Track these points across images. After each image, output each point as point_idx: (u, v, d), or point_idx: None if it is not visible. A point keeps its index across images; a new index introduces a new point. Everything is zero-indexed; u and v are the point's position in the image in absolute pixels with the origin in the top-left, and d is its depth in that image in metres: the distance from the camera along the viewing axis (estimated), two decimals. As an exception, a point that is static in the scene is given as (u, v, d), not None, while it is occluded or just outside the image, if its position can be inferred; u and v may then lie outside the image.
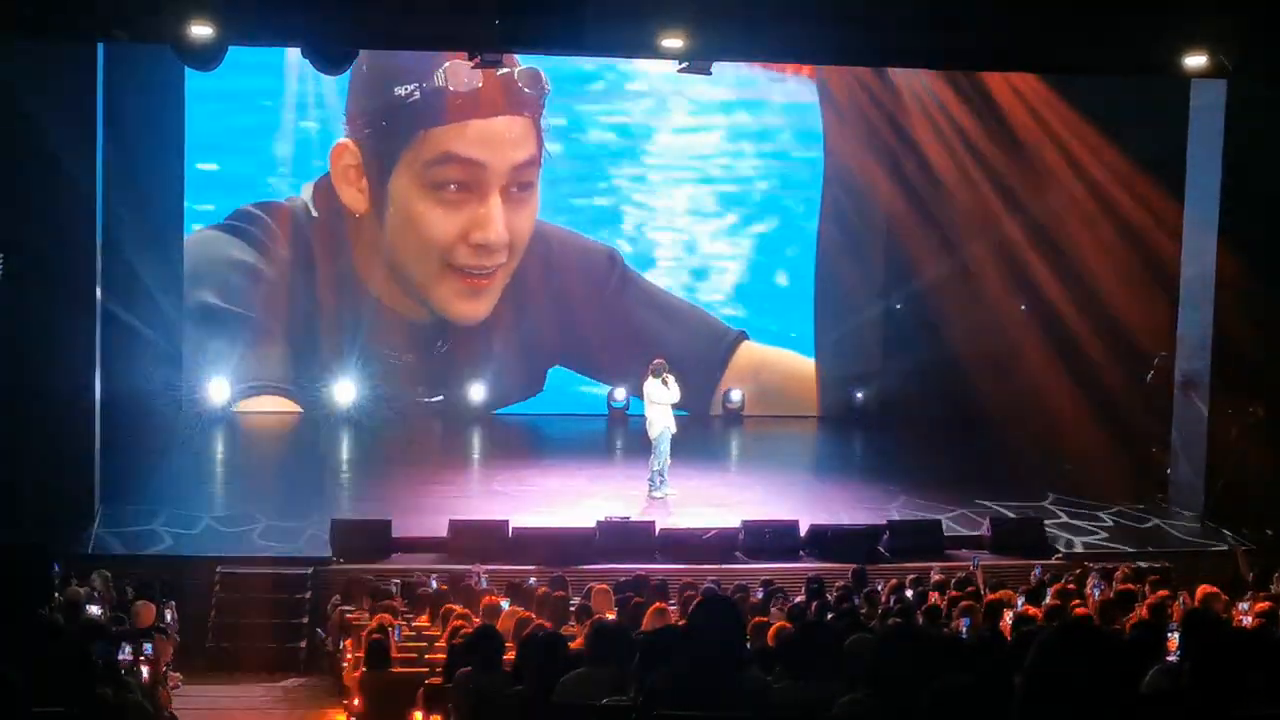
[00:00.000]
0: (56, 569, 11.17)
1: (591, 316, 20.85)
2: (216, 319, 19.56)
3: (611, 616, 9.96)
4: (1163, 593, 10.98)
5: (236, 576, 13.43)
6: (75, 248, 13.99)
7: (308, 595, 13.39)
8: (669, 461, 15.87)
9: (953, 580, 12.27)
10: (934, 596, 11.51)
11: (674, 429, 15.77)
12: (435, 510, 15.13)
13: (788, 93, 21.00)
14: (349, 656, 10.88)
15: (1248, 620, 9.93)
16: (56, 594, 10.32)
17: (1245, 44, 11.16)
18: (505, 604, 10.81)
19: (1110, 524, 15.82)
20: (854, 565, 13.08)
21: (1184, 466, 16.71)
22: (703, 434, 18.83)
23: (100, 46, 13.76)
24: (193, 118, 19.13)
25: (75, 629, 9.00)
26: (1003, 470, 17.37)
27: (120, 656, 8.58)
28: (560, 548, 13.81)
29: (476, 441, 20.04)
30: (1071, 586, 11.76)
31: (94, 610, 10.28)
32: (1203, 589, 10.63)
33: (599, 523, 14.34)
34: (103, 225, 14.44)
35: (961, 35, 11.18)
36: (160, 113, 18.21)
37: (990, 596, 10.93)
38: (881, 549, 14.46)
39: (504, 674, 6.82)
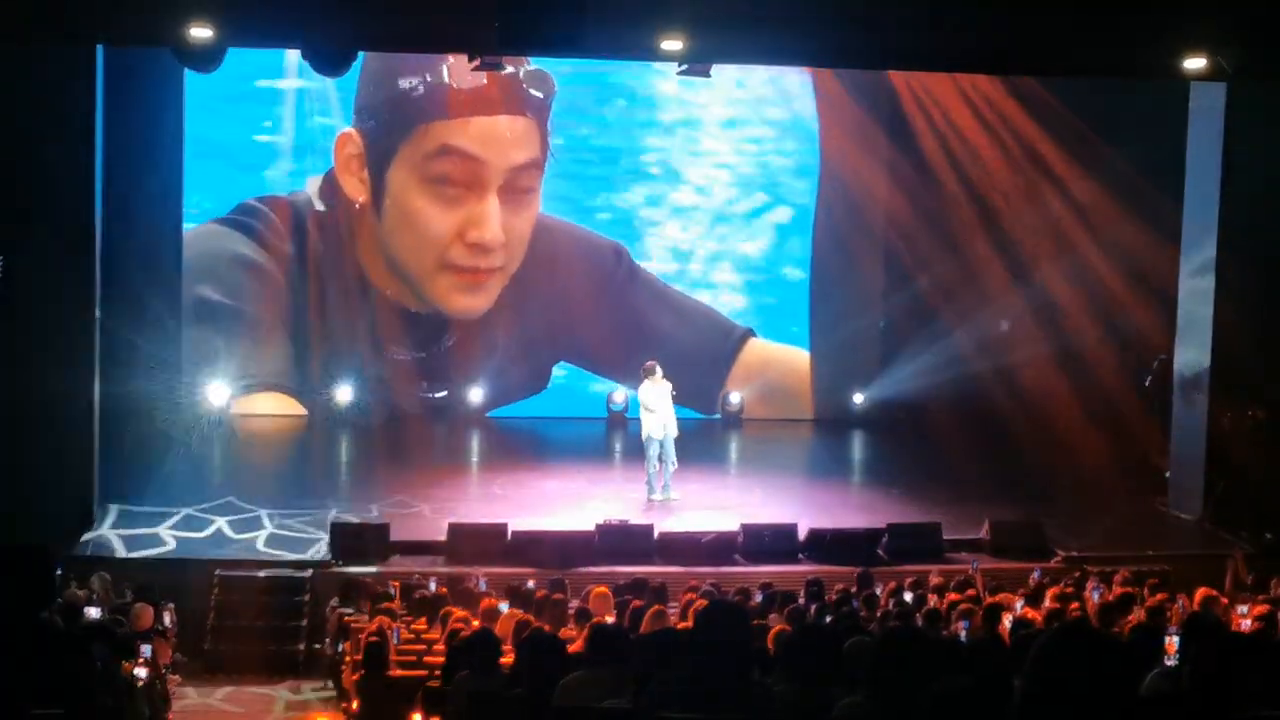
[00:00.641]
0: (59, 572, 11.16)
1: (597, 312, 20.83)
2: (216, 315, 19.53)
3: (611, 619, 9.95)
4: (1162, 596, 10.99)
5: (235, 579, 13.42)
6: (75, 247, 13.98)
7: (306, 598, 13.37)
8: (658, 466, 15.82)
9: (952, 583, 12.27)
10: (933, 599, 11.51)
11: (670, 433, 15.71)
12: (434, 513, 15.14)
13: (786, 92, 21.00)
14: (347, 659, 10.87)
15: (1246, 623, 9.93)
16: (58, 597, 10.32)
17: (1244, 47, 11.16)
18: (504, 607, 10.80)
19: (1110, 527, 15.80)
20: (854, 568, 13.09)
21: (1183, 469, 16.72)
22: (702, 436, 18.80)
23: (100, 47, 13.77)
24: (192, 115, 19.15)
25: (75, 631, 8.99)
26: (1002, 472, 17.35)
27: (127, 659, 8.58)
28: (559, 550, 13.81)
29: (476, 444, 20.03)
30: (1070, 589, 11.76)
31: (92, 612, 10.27)
32: (1201, 592, 10.63)
33: (598, 526, 14.33)
34: (102, 225, 14.43)
35: (961, 38, 11.18)
36: (160, 112, 18.19)
37: (989, 599, 10.93)
38: (880, 552, 14.46)
39: (502, 677, 6.81)
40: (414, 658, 10.04)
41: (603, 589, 11.13)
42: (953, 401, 19.37)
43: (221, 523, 14.58)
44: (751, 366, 21.30)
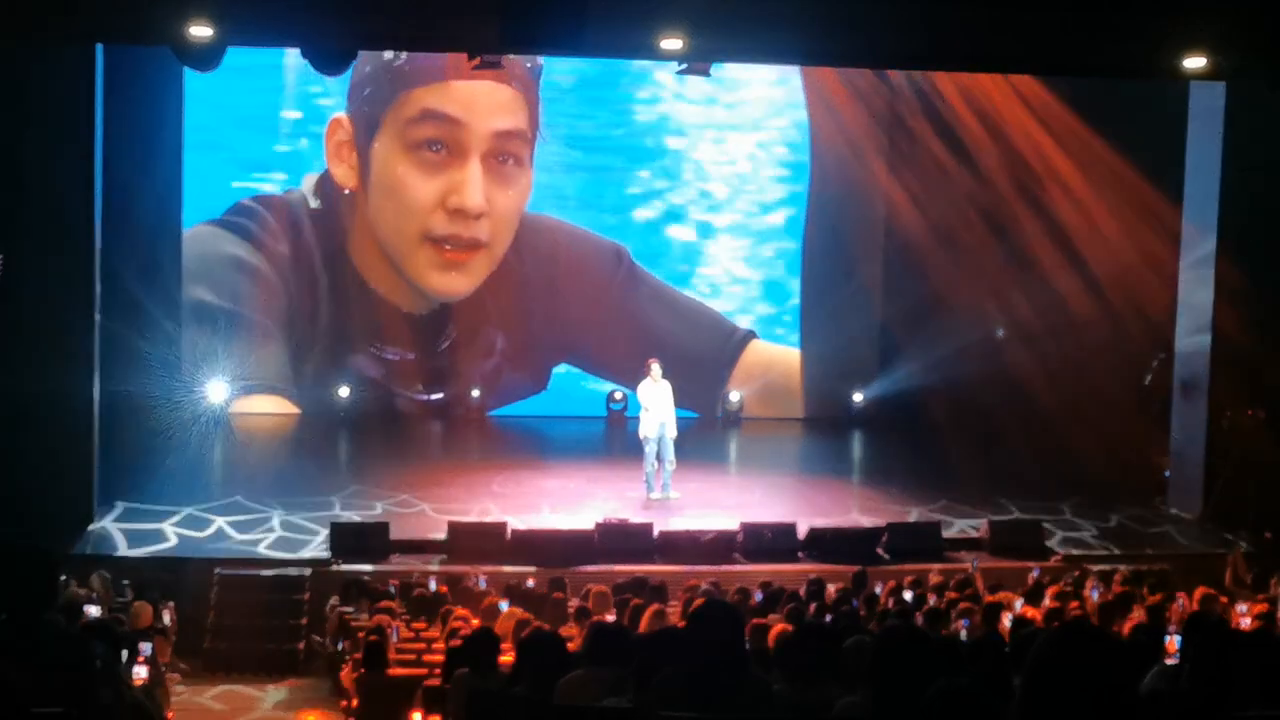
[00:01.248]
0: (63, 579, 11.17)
1: (598, 313, 20.85)
2: (213, 317, 19.52)
3: (610, 618, 9.95)
4: (1161, 594, 11.00)
5: (235, 577, 13.42)
6: (74, 247, 13.98)
7: (306, 596, 13.37)
8: (656, 466, 15.81)
9: (951, 582, 12.28)
10: (932, 598, 11.51)
11: (668, 432, 15.71)
12: (434, 511, 15.14)
13: (787, 91, 21.01)
14: (347, 658, 10.88)
15: (1246, 622, 9.94)
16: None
17: (1244, 46, 11.16)
18: (504, 605, 10.80)
19: (1109, 526, 15.81)
20: (853, 566, 13.09)
21: (1183, 468, 16.72)
22: (702, 436, 18.81)
23: (99, 46, 13.76)
24: (191, 112, 19.15)
25: (74, 630, 8.99)
26: (1002, 472, 17.36)
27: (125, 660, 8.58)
28: (559, 549, 13.81)
29: (476, 442, 20.02)
30: (1070, 588, 11.77)
31: (92, 611, 10.26)
32: (1201, 591, 10.64)
33: (598, 524, 14.34)
34: (102, 224, 14.43)
35: (960, 37, 11.17)
36: (160, 111, 18.18)
37: (989, 598, 10.94)
38: (880, 551, 14.47)
39: (502, 675, 6.81)
40: (413, 656, 10.04)
41: (602, 588, 11.14)
42: (952, 401, 19.37)
43: (220, 521, 14.58)
44: (753, 368, 21.31)
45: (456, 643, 8.94)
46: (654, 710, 4.82)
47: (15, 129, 13.45)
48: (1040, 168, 19.07)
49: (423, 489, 16.22)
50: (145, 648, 9.37)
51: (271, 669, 12.72)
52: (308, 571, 13.54)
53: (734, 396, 21.05)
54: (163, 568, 13.30)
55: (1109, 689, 3.51)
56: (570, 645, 7.23)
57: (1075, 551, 14.76)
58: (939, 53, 12.03)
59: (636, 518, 14.80)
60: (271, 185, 20.11)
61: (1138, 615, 9.97)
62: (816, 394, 21.36)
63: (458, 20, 10.66)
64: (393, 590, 12.23)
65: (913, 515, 15.60)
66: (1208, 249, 16.09)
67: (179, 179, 19.16)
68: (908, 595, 11.77)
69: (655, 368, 16.04)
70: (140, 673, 8.72)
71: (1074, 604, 10.75)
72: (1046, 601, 10.93)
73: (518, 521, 14.36)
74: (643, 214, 21.12)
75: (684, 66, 12.70)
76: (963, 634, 9.56)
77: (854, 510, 15.93)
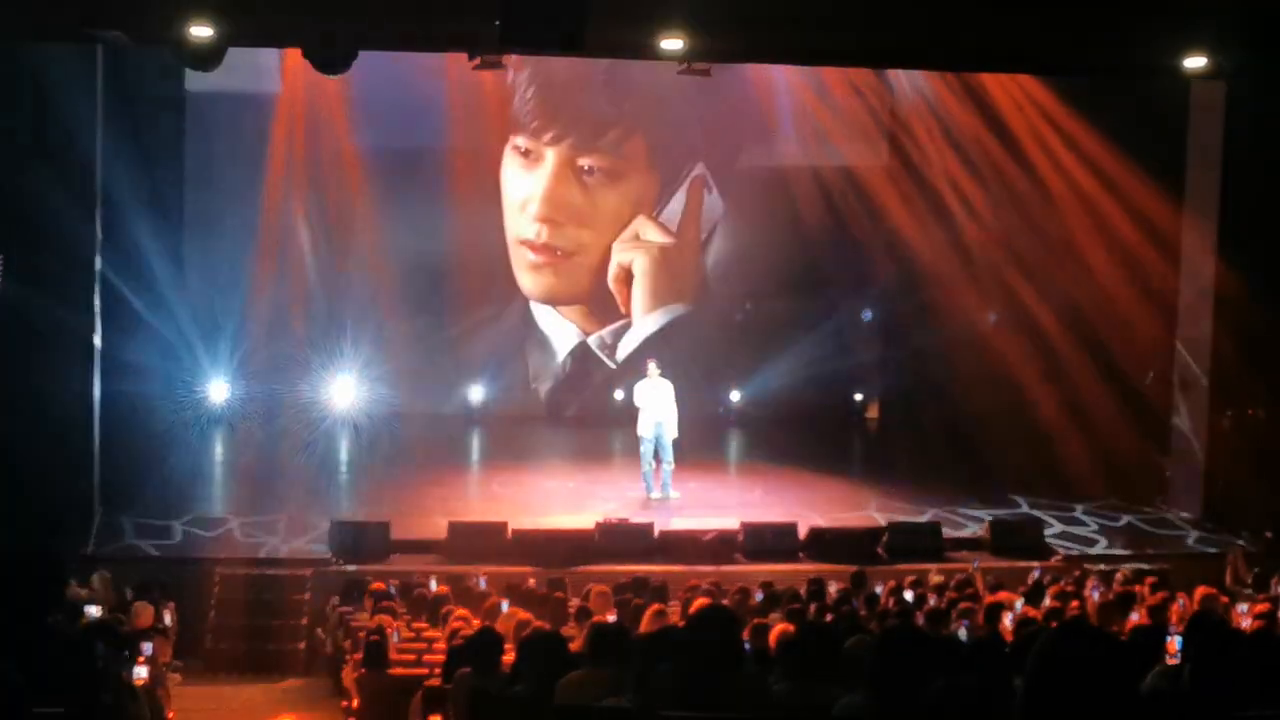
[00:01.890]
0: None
1: None
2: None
3: (611, 618, 9.95)
4: (1162, 594, 11.00)
5: (236, 577, 13.43)
6: (75, 247, 13.99)
7: (307, 596, 13.38)
8: (653, 465, 15.81)
9: (952, 582, 12.29)
10: (933, 598, 11.52)
11: (667, 432, 15.70)
12: (434, 511, 15.14)
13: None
14: (348, 657, 10.88)
15: (1246, 622, 9.95)
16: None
17: (1245, 46, 11.16)
18: (505, 605, 10.80)
19: (1109, 526, 15.81)
20: (853, 566, 13.09)
21: (1182, 469, 16.73)
22: (703, 435, 18.78)
23: (99, 46, 13.77)
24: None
25: (76, 630, 9.00)
26: (1002, 471, 17.35)
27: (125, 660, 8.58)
28: (560, 549, 13.82)
29: (475, 442, 20.02)
30: (1070, 588, 11.77)
31: (93, 611, 10.27)
32: (1201, 591, 10.65)
33: (598, 524, 14.34)
34: (102, 224, 14.44)
35: (959, 36, 11.17)
36: (161, 111, 18.16)
37: (989, 598, 10.94)
38: (881, 550, 14.47)
39: (503, 675, 6.81)
40: (414, 656, 10.05)
41: (603, 587, 11.14)
42: (950, 400, 19.36)
43: (221, 521, 14.59)
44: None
45: (458, 642, 8.94)
46: (654, 710, 4.83)
47: (16, 130, 13.45)
48: (1038, 166, 19.03)
49: (423, 489, 16.23)
50: (146, 647, 9.38)
51: (272, 669, 12.73)
52: (309, 571, 13.55)
53: (735, 395, 21.05)
54: (164, 567, 13.31)
55: (1110, 689, 3.51)
56: (571, 645, 7.23)
57: (1076, 551, 14.76)
58: (938, 52, 12.04)
59: (637, 517, 14.80)
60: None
61: (1138, 615, 9.98)
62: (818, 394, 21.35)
63: (458, 21, 10.65)
64: (393, 590, 12.24)
65: (913, 515, 15.59)
66: (1208, 248, 16.09)
67: (180, 176, 19.07)
68: (908, 595, 11.77)
69: (652, 367, 16.05)
70: (141, 673, 8.73)
71: (1074, 604, 10.76)
72: (1047, 601, 10.93)
73: (518, 521, 14.35)
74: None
75: (683, 68, 12.70)
76: (963, 634, 9.56)
77: (855, 509, 15.93)
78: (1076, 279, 18.63)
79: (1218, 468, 16.08)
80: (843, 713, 4.66)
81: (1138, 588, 11.64)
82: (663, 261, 20.94)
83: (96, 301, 14.42)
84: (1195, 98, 16.07)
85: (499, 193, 20.53)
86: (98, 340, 14.43)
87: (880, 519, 15.16)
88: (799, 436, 19.28)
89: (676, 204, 21.08)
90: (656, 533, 14.36)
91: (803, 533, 14.52)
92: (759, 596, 11.68)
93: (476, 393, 20.59)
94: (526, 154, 20.34)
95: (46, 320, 13.66)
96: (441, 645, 9.85)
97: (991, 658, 5.46)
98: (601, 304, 20.94)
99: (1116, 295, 17.93)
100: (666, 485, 15.86)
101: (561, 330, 20.96)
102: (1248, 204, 15.57)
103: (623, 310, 20.93)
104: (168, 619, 11.68)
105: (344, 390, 19.77)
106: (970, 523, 15.42)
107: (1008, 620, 10.07)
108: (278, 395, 19.08)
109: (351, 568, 13.50)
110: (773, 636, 7.72)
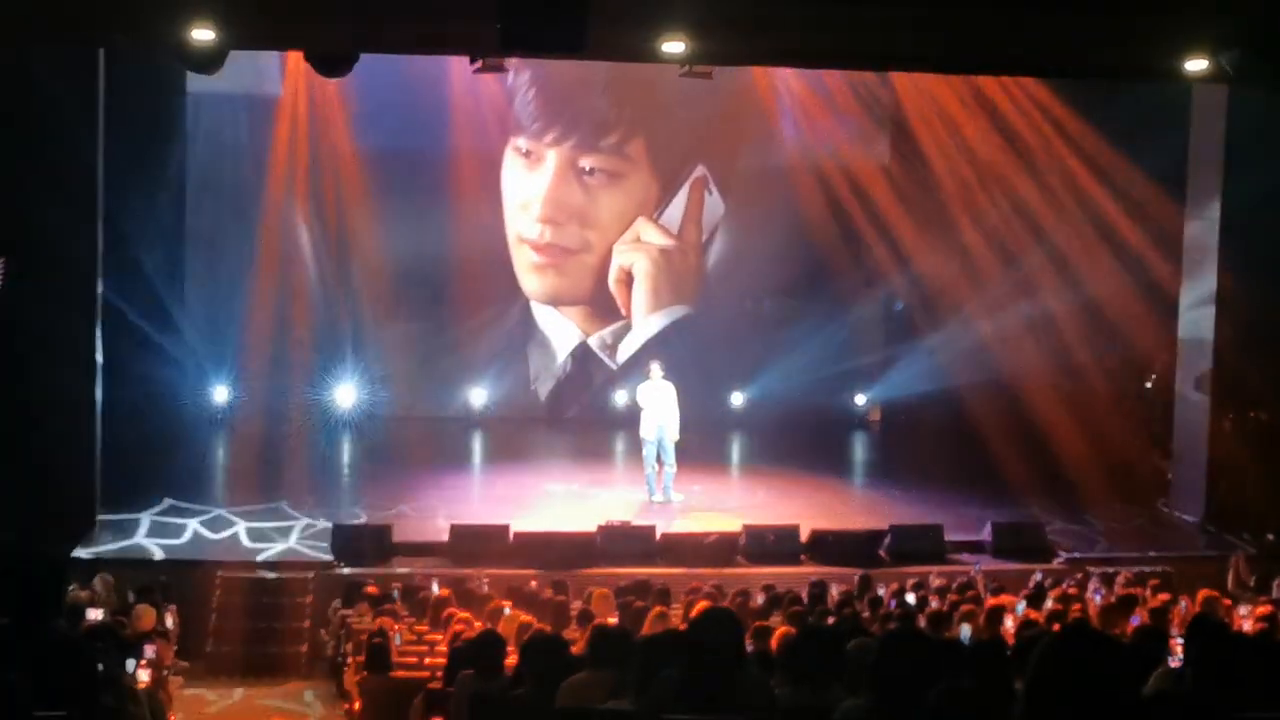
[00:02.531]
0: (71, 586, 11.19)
1: None
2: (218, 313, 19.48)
3: (613, 620, 9.95)
4: (1164, 597, 11.00)
5: (238, 580, 13.43)
6: (76, 249, 13.99)
7: (309, 599, 13.37)
8: (655, 468, 15.80)
9: (954, 585, 12.28)
10: (935, 601, 11.51)
11: (668, 434, 15.69)
12: (436, 514, 15.14)
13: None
14: (350, 660, 10.88)
15: (1248, 625, 9.94)
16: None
17: (1247, 48, 11.14)
18: (507, 608, 10.80)
19: (1111, 528, 15.80)
20: (856, 569, 13.09)
21: (1185, 470, 16.71)
22: (704, 437, 18.79)
23: (101, 50, 13.78)
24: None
25: (77, 633, 9.00)
26: (1004, 473, 17.34)
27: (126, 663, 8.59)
28: (561, 552, 13.81)
29: (477, 444, 20.02)
30: (1073, 591, 11.76)
31: (94, 614, 10.27)
32: (1204, 593, 10.64)
33: (600, 527, 14.34)
34: (104, 226, 14.44)
35: (961, 39, 11.15)
36: (161, 112, 18.16)
37: (991, 601, 10.93)
38: (883, 553, 14.46)
39: (505, 678, 6.81)
40: (416, 659, 10.05)
41: (605, 590, 11.14)
42: (953, 402, 19.36)
43: (219, 524, 14.59)
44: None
45: (460, 645, 8.94)
46: (656, 713, 4.83)
47: (17, 131, 13.45)
48: (1040, 168, 19.04)
49: (425, 491, 16.22)
50: (148, 650, 9.39)
51: (274, 672, 12.72)
52: (310, 574, 13.54)
53: (737, 398, 21.05)
54: (165, 571, 13.30)
55: (1111, 692, 3.51)
56: (573, 648, 7.23)
57: (1078, 554, 14.75)
58: (939, 54, 12.01)
59: (639, 520, 14.80)
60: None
61: (1140, 618, 9.97)
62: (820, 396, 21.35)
63: (458, 23, 10.64)
64: (395, 593, 12.24)
65: (915, 517, 15.56)
66: (1210, 249, 16.08)
67: (183, 175, 19.06)
68: (910, 598, 11.77)
69: (655, 368, 16.05)
70: (143, 676, 8.73)
71: (1076, 607, 10.75)
72: (1049, 604, 10.93)
73: (520, 524, 14.35)
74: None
75: (685, 70, 12.69)
76: (965, 635, 9.56)
77: (857, 512, 15.93)
78: (1078, 281, 18.64)
79: (1220, 470, 16.06)
80: (844, 715, 4.66)
81: (1140, 590, 11.64)
82: (664, 263, 20.95)
83: (97, 302, 14.40)
84: (1197, 99, 16.05)
85: (499, 194, 20.54)
86: (98, 341, 14.41)
87: (882, 521, 15.13)
88: (801, 439, 19.28)
89: (678, 205, 21.08)
90: (658, 535, 14.36)
91: (804, 535, 14.52)
92: (761, 599, 11.68)
93: (478, 395, 20.61)
94: (528, 155, 20.35)
95: (47, 322, 13.65)
96: (443, 648, 9.85)
97: (993, 660, 5.45)
98: (602, 305, 20.94)
99: (1118, 297, 17.93)
100: (668, 488, 15.86)
101: (562, 330, 20.96)
102: (1250, 208, 15.56)
103: (623, 312, 20.93)
104: (170, 622, 11.68)
105: (345, 393, 19.79)
106: (972, 525, 15.38)
107: (1009, 623, 10.07)
108: (278, 398, 19.09)
109: (354, 570, 13.50)
110: (774, 639, 7.72)
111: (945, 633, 9.74)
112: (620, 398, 20.54)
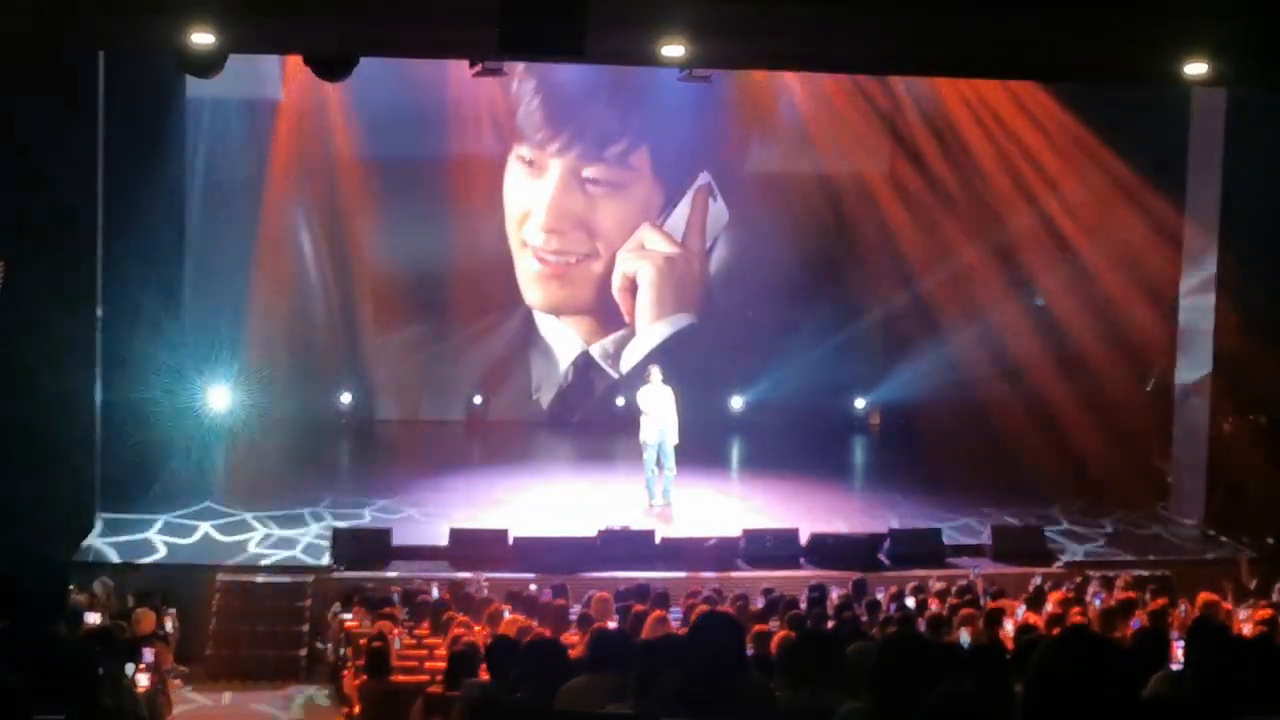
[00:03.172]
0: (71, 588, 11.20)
1: None
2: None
3: (612, 624, 9.95)
4: (1163, 600, 11.00)
5: (237, 584, 13.41)
6: (75, 253, 13.98)
7: (308, 603, 13.36)
8: (656, 472, 15.79)
9: (953, 588, 12.28)
10: (934, 604, 11.51)
11: (668, 439, 15.68)
12: (436, 518, 15.12)
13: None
14: (349, 664, 10.87)
15: (1248, 628, 9.94)
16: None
17: (1245, 52, 11.15)
18: (506, 612, 10.81)
19: (1111, 532, 15.80)
20: (855, 573, 13.09)
21: (1184, 474, 16.71)
22: (704, 441, 18.80)
23: (100, 52, 13.78)
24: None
25: (77, 637, 9.00)
26: (1003, 477, 17.35)
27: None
28: (561, 556, 13.81)
29: (477, 449, 20.01)
30: (1072, 594, 11.76)
31: (94, 618, 10.27)
32: (1203, 597, 10.64)
33: (600, 531, 14.33)
34: (103, 229, 14.44)
35: (960, 42, 11.16)
36: (163, 113, 18.15)
37: (991, 604, 10.94)
38: (882, 557, 14.46)
39: (505, 682, 6.80)
40: (415, 663, 10.04)
41: (604, 594, 11.14)
42: (952, 406, 19.36)
43: (221, 527, 14.58)
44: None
45: (459, 649, 8.94)
46: (655, 717, 4.82)
47: (16, 131, 13.45)
48: (1041, 171, 19.04)
49: (424, 495, 16.21)
50: (147, 654, 9.39)
51: (273, 676, 12.71)
52: (310, 578, 13.54)
53: (736, 401, 21.06)
54: (165, 574, 13.30)
55: (1111, 695, 3.51)
56: (572, 652, 7.23)
57: (1077, 557, 14.75)
58: (939, 58, 12.02)
59: (639, 524, 14.79)
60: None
61: (1140, 621, 9.97)
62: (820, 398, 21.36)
63: (458, 26, 10.65)
64: (395, 597, 12.23)
65: (915, 521, 15.56)
66: (1210, 252, 16.09)
67: (182, 178, 19.05)
68: (910, 601, 11.77)
69: (655, 372, 16.05)
70: (142, 680, 8.74)
71: (1076, 610, 10.75)
72: (1048, 607, 10.93)
73: (520, 528, 14.34)
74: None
75: (685, 74, 12.69)
76: (964, 639, 9.56)
77: (856, 516, 15.91)
78: (1079, 283, 18.64)
79: (1220, 473, 16.06)
80: (844, 719, 4.65)
81: (1140, 594, 11.64)
82: (668, 271, 20.95)
83: (97, 305, 14.40)
84: (1197, 100, 16.06)
85: (501, 201, 20.53)
86: (98, 344, 14.40)
87: (881, 525, 15.13)
88: (800, 442, 19.27)
89: (681, 213, 21.09)
90: (658, 539, 14.35)
91: (804, 539, 14.51)
92: (760, 603, 11.68)
93: (479, 400, 20.59)
94: (531, 164, 20.34)
95: (47, 325, 13.64)
96: (442, 652, 9.85)
97: (993, 664, 5.45)
98: (605, 314, 20.94)
99: (1118, 300, 17.94)
100: (668, 492, 15.84)
101: (564, 339, 20.96)
102: (1249, 211, 15.56)
103: (627, 320, 20.93)
104: (169, 626, 11.69)
105: (345, 397, 19.79)
106: (971, 528, 15.39)
107: (1009, 626, 10.06)
108: (278, 400, 19.09)
109: (353, 574, 13.49)
110: (774, 643, 7.73)
111: (945, 637, 9.74)
112: (620, 400, 20.56)
